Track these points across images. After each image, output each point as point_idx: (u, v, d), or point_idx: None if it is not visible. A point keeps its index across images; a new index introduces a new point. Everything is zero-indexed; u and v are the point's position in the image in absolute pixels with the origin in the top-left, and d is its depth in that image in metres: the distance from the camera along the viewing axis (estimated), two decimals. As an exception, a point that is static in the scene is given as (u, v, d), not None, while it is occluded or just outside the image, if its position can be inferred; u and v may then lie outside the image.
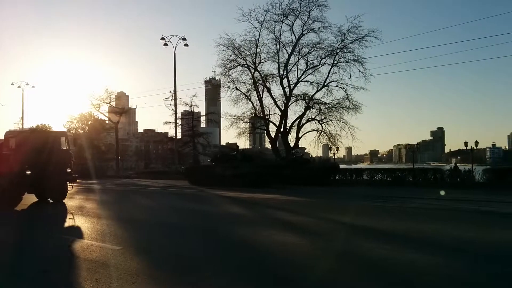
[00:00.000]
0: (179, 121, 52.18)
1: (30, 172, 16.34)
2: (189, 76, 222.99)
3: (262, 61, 36.70)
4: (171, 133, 54.45)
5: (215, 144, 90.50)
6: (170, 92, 44.41)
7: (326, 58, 35.04)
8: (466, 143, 41.96)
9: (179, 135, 53.02)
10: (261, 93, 37.00)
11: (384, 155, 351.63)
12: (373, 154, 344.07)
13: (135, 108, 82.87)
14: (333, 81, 35.29)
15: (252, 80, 36.75)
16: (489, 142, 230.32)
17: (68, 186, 18.02)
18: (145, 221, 12.86)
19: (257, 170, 26.35)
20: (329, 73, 35.10)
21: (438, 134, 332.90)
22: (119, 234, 10.38)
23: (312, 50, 35.21)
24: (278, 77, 36.35)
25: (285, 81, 36.20)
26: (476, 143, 39.31)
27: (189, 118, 57.41)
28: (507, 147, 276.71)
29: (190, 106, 53.10)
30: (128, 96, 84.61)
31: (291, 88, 36.29)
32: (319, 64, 35.46)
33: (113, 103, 54.46)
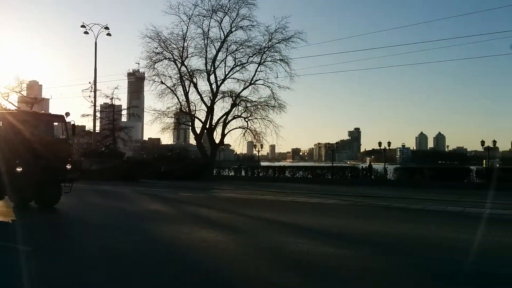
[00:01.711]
0: (98, 114, 49.55)
1: (21, 169, 12.17)
2: (111, 67, 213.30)
3: (189, 55, 36.18)
4: (89, 126, 51.55)
5: (136, 139, 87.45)
6: (90, 83, 41.93)
7: (254, 56, 35.47)
8: (379, 143, 44.87)
9: (98, 128, 50.34)
10: (187, 88, 36.45)
11: (306, 153, 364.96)
12: (295, 152, 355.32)
13: (49, 99, 77.07)
14: (260, 79, 35.82)
15: (179, 75, 36.07)
16: (399, 143, 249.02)
17: (65, 187, 13.80)
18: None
19: (125, 166, 31.02)
20: (256, 71, 35.57)
21: (355, 134, 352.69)
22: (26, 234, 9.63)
23: (240, 48, 35.43)
24: (205, 73, 36.06)
25: (212, 77, 36.02)
26: (389, 143, 42.18)
27: (110, 111, 54.72)
28: (415, 148, 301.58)
29: (111, 99, 50.67)
30: (41, 85, 78.72)
31: (218, 84, 36.21)
32: (247, 62, 35.79)
33: (24, 93, 50.16)
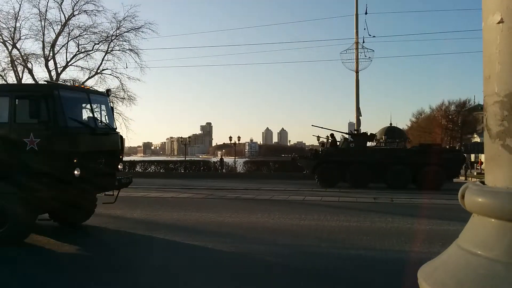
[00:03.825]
0: None
1: (79, 173, 8.27)
2: None
3: (22, 37, 31.83)
4: None
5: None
6: None
7: (100, 44, 33.03)
8: (230, 138, 46.63)
9: None
10: (20, 74, 32.11)
11: (158, 147, 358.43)
12: (147, 146, 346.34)
13: None
14: (107, 69, 33.57)
15: (10, 58, 31.55)
16: (248, 138, 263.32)
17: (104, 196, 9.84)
18: None
19: None
20: (103, 60, 33.18)
21: (207, 129, 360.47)
22: None
23: (84, 33, 32.58)
24: (42, 58, 32.21)
25: (51, 64, 32.37)
26: (239, 138, 44.14)
27: None
28: (261, 142, 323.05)
29: None
30: None
31: (59, 72, 32.78)
32: (92, 50, 33.13)
33: None
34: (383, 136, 27.13)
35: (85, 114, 9.50)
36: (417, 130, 64.19)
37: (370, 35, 29.64)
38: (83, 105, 9.42)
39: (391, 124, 37.22)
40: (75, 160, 8.26)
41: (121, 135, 10.54)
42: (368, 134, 22.77)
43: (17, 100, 8.33)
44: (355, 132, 23.43)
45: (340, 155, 20.82)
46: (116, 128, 10.51)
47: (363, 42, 28.45)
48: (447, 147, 25.99)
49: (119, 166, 10.00)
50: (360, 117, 28.53)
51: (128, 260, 7.31)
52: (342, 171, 20.34)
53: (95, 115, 9.43)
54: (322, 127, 23.36)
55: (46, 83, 8.69)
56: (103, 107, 9.91)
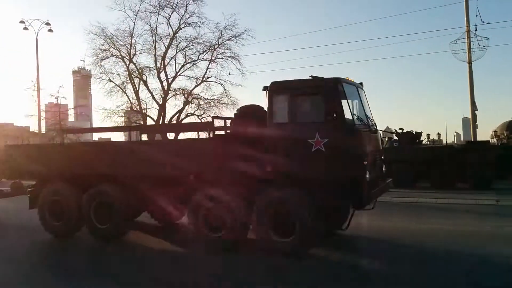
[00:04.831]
0: (43, 114, 47.08)
1: (369, 176, 7.57)
2: (55, 65, 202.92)
3: (137, 52, 35.08)
4: (34, 127, 48.94)
5: (86, 140, 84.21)
6: (33, 81, 39.85)
7: (204, 53, 34.94)
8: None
9: (43, 129, 47.88)
10: (137, 86, 35.37)
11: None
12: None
13: (-13, 99, 72.50)
14: (211, 76, 35.34)
15: (127, 72, 34.93)
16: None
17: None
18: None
19: None
20: (207, 68, 35.04)
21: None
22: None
23: (190, 45, 34.78)
24: (155, 70, 35.12)
25: (162, 75, 35.15)
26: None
27: (56, 111, 52.20)
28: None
29: (57, 98, 48.23)
30: (-22, 84, 73.61)
31: (169, 82, 35.42)
32: (198, 59, 35.20)
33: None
34: (505, 132, 24.35)
35: (356, 109, 8.22)
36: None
37: (483, 22, 26.96)
38: (356, 100, 8.33)
39: (514, 118, 33.27)
40: (364, 163, 7.36)
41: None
42: (414, 132, 21.40)
43: (297, 97, 7.64)
44: (401, 130, 21.86)
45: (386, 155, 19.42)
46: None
47: (476, 30, 26.16)
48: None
49: (383, 168, 9.01)
50: (476, 112, 26.31)
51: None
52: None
53: (366, 111, 8.43)
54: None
55: (322, 78, 7.53)
56: (366, 101, 8.80)
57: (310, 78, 7.64)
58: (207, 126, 8.27)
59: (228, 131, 8.98)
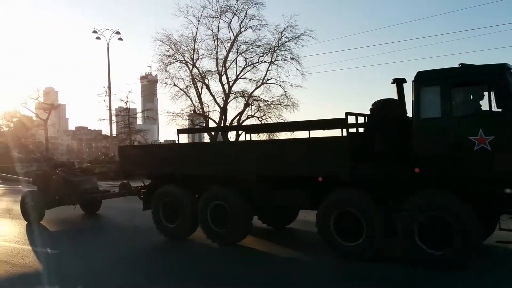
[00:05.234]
0: (114, 118, 50.22)
1: None
2: (124, 71, 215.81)
3: (200, 57, 36.37)
4: (106, 130, 52.42)
5: (153, 142, 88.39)
6: (104, 87, 42.61)
7: (264, 55, 35.46)
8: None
9: (114, 132, 51.11)
10: (200, 90, 36.70)
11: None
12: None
13: (65, 104, 78.80)
14: (271, 78, 35.76)
15: (191, 77, 36.33)
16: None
17: None
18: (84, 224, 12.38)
19: None
20: (267, 70, 35.50)
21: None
22: (52, 237, 9.97)
23: (250, 48, 35.47)
24: (217, 74, 36.23)
25: (224, 78, 36.18)
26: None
27: (125, 114, 55.41)
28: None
29: (126, 102, 51.22)
30: (57, 91, 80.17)
31: (230, 85, 36.37)
32: (257, 62, 35.79)
33: (41, 99, 51.22)
34: None
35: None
36: None
37: None
38: None
39: None
40: None
41: None
42: None
43: (452, 88, 6.54)
44: None
45: None
46: None
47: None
48: None
49: None
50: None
51: None
52: None
53: None
54: None
55: (487, 64, 6.54)
56: None
57: (468, 65, 6.66)
58: (339, 123, 7.27)
59: (363, 128, 7.89)
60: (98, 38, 39.20)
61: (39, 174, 13.88)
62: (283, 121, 35.73)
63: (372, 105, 7.73)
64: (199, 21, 34.92)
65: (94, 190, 12.91)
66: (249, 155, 8.15)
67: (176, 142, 11.67)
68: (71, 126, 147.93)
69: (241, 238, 8.42)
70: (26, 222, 11.83)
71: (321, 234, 7.36)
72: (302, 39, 34.01)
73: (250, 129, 9.72)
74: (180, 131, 11.18)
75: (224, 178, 8.43)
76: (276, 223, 9.99)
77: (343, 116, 7.21)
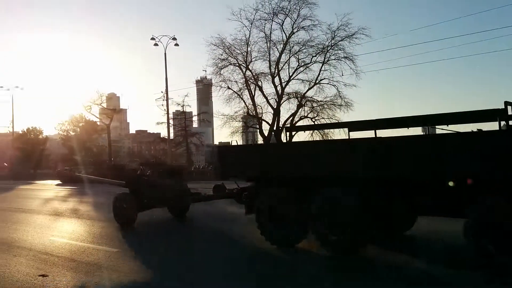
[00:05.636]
0: (171, 121, 51.90)
1: None
2: (180, 76, 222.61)
3: (253, 59, 36.68)
4: (164, 133, 54.30)
5: (208, 144, 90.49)
6: (162, 92, 44.18)
7: (317, 55, 35.08)
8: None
9: (171, 135, 52.83)
10: (253, 92, 37.00)
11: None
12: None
13: (126, 109, 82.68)
14: (324, 78, 35.28)
15: (244, 79, 36.74)
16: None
17: None
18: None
19: None
20: (320, 70, 35.07)
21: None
22: (115, 237, 10.40)
23: (302, 48, 35.24)
24: (269, 76, 36.36)
25: (276, 80, 36.22)
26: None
27: (182, 118, 57.11)
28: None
29: (182, 106, 52.87)
30: (119, 97, 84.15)
31: (283, 86, 36.33)
32: (310, 62, 35.48)
33: (104, 104, 54.03)
34: None
35: None
36: None
37: None
38: None
39: None
40: None
41: None
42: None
43: None
44: None
45: None
46: None
47: None
48: None
49: None
50: None
51: None
52: None
53: None
54: None
55: None
56: None
57: None
58: (497, 114, 6.29)
59: None
60: (156, 44, 40.75)
61: (131, 177, 13.62)
62: (337, 121, 34.83)
63: None
64: (252, 24, 35.27)
65: (183, 193, 12.59)
66: (384, 154, 7.14)
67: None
68: (132, 130, 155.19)
69: (361, 246, 7.54)
70: (91, 221, 12.45)
71: (476, 248, 6.25)
72: (356, 38, 33.23)
73: (379, 125, 8.33)
74: (288, 129, 10.29)
75: (347, 180, 7.54)
76: (394, 229, 8.81)
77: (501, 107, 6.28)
